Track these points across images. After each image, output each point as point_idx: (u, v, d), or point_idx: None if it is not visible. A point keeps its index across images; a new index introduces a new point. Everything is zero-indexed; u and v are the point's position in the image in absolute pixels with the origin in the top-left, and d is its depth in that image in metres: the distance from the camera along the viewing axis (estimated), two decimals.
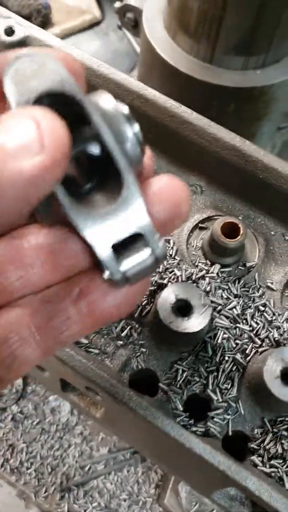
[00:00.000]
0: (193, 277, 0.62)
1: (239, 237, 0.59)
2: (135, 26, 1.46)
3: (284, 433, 0.57)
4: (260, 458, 0.57)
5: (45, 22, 1.79)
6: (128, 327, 0.61)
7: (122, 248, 0.33)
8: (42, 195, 0.31)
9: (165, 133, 0.66)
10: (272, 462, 0.56)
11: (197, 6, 1.19)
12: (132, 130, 0.34)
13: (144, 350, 0.60)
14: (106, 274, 0.33)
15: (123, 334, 0.60)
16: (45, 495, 1.01)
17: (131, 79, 0.64)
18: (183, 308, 0.58)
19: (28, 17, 1.77)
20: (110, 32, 1.84)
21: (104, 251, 0.32)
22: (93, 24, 1.85)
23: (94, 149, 0.33)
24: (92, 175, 0.35)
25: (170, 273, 0.62)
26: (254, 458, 0.57)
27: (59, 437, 1.04)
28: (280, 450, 0.56)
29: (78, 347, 0.60)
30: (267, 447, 0.57)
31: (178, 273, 0.62)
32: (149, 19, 1.33)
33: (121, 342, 0.60)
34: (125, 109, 0.34)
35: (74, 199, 0.32)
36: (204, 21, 1.22)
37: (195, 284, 0.61)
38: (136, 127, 0.34)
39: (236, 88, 1.26)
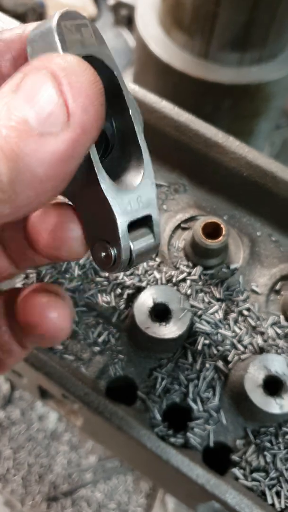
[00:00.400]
0: (174, 279, 0.59)
1: (221, 238, 0.56)
2: (129, 23, 1.44)
3: (267, 444, 0.54)
4: (241, 471, 0.54)
5: (39, 20, 1.76)
6: (106, 332, 0.58)
7: (131, 229, 0.34)
8: (76, 166, 0.28)
9: (145, 129, 0.63)
10: (254, 475, 0.53)
11: (191, 1, 1.17)
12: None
13: (122, 356, 0.58)
14: (114, 252, 0.33)
15: (100, 339, 0.58)
16: (31, 504, 0.98)
17: None
18: (161, 313, 0.55)
19: (23, 15, 1.75)
20: (105, 29, 1.81)
21: (123, 225, 0.33)
22: None
23: (113, 125, 0.35)
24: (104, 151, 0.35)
25: (150, 275, 0.59)
26: (236, 470, 0.54)
27: (46, 444, 1.02)
28: (262, 463, 0.53)
29: (52, 353, 0.57)
30: (249, 459, 0.53)
31: (158, 276, 0.59)
32: (143, 16, 1.30)
33: (98, 348, 0.57)
34: None
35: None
36: (198, 16, 1.19)
37: (175, 287, 0.58)
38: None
39: (232, 84, 1.23)
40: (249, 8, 1.12)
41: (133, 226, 0.34)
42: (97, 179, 0.31)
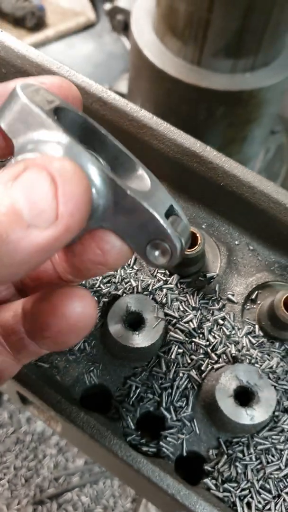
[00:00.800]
0: (150, 288, 0.59)
1: (197, 247, 0.56)
2: (125, 28, 1.44)
3: (239, 455, 0.54)
4: (213, 481, 0.54)
5: (39, 24, 1.78)
6: (82, 341, 0.58)
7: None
8: (51, 256, 0.31)
9: (124, 138, 0.63)
10: (225, 485, 0.53)
11: (184, 8, 1.17)
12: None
13: (97, 364, 0.58)
14: (167, 246, 0.36)
15: (76, 348, 0.58)
16: (17, 508, 0.98)
17: (91, 81, 0.62)
18: (135, 322, 0.55)
19: (22, 19, 1.76)
20: (104, 34, 1.82)
21: (164, 218, 0.36)
22: (88, 26, 1.83)
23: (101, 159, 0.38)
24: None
25: (126, 283, 0.59)
26: (208, 481, 0.54)
27: (34, 447, 1.02)
28: (234, 473, 0.53)
29: None
30: (221, 469, 0.54)
31: (134, 284, 0.59)
32: (138, 21, 1.31)
33: (73, 356, 0.58)
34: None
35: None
36: (191, 23, 1.20)
37: (151, 295, 0.58)
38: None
39: (225, 91, 1.23)
40: (242, 15, 1.12)
41: (167, 215, 0.37)
42: (126, 193, 0.34)
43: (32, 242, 0.29)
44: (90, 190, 0.32)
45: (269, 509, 0.52)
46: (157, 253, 0.37)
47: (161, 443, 0.55)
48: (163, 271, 0.61)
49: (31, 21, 1.77)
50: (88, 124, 0.39)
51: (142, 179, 0.38)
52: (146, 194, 0.36)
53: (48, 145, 0.33)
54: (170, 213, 0.38)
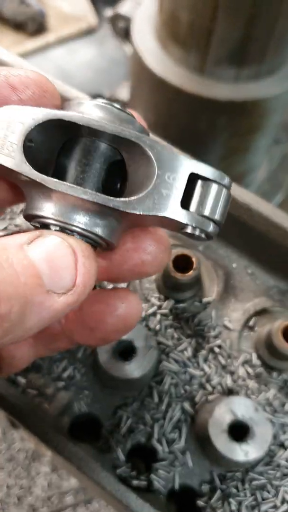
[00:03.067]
0: (143, 314, 0.57)
1: (191, 272, 0.54)
2: (127, 35, 1.43)
3: (233, 490, 0.51)
4: None
5: (39, 29, 1.76)
6: (71, 367, 0.56)
7: (188, 199, 0.33)
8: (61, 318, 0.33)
9: None
10: None
11: (187, 16, 1.15)
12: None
13: (87, 392, 0.56)
14: (197, 231, 0.34)
15: (65, 375, 0.56)
16: None
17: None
18: (126, 350, 0.53)
19: (23, 24, 1.75)
20: (106, 40, 1.80)
21: (181, 213, 0.33)
22: (89, 32, 1.81)
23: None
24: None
25: None
26: None
27: (27, 465, 1.00)
28: (227, 510, 0.51)
29: (14, 387, 0.55)
30: (214, 505, 0.51)
31: None
32: (139, 29, 1.29)
33: (62, 383, 0.56)
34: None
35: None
36: (193, 31, 1.18)
37: (144, 321, 0.56)
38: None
39: (228, 101, 1.21)
40: (246, 24, 1.10)
41: (188, 190, 0.33)
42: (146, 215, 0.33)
43: (50, 307, 0.30)
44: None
45: None
46: (194, 235, 0.34)
47: (152, 475, 0.53)
48: (158, 295, 0.58)
49: (32, 26, 1.76)
50: (67, 122, 0.34)
51: (149, 162, 0.33)
52: (151, 189, 0.33)
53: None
54: (194, 179, 0.34)
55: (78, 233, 0.34)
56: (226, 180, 0.35)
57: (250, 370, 0.55)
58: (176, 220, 0.33)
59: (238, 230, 0.58)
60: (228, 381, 0.54)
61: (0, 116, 0.33)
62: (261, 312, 0.58)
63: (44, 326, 0.31)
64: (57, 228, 0.33)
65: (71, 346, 0.44)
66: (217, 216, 0.34)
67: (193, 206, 0.34)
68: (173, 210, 0.33)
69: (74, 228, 0.33)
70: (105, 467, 0.51)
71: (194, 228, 0.34)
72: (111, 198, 0.32)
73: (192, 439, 0.53)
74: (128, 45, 1.61)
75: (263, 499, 0.51)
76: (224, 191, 0.35)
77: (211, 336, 0.56)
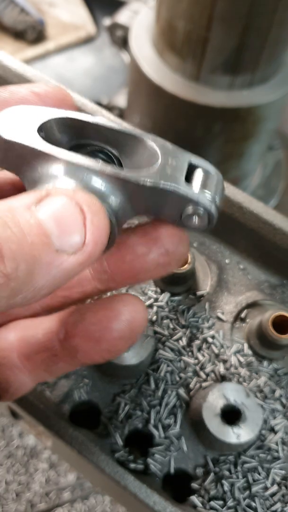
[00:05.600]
0: None
1: (186, 265, 0.57)
2: (124, 43, 1.46)
3: (226, 473, 0.54)
4: (200, 499, 0.54)
5: (39, 37, 1.80)
6: None
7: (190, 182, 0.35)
8: (72, 279, 0.32)
9: None
10: (212, 503, 0.53)
11: (183, 25, 1.19)
12: None
13: (87, 381, 0.58)
14: (201, 210, 0.35)
15: None
16: None
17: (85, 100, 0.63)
18: None
19: (23, 32, 1.79)
20: (104, 48, 1.85)
21: (184, 188, 0.34)
22: (88, 40, 1.85)
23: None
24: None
25: None
26: (194, 498, 0.54)
27: (26, 461, 1.02)
28: (220, 491, 0.53)
29: None
30: (208, 487, 0.54)
31: None
32: (136, 37, 1.33)
33: None
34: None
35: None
36: (189, 40, 1.21)
37: None
38: None
39: (223, 107, 1.25)
40: (240, 34, 1.14)
41: (188, 176, 0.35)
42: (137, 183, 0.34)
43: (60, 267, 0.30)
44: (109, 223, 0.33)
45: None
46: (195, 219, 0.36)
47: (148, 460, 0.55)
48: (154, 289, 0.61)
49: (32, 35, 1.80)
50: (74, 121, 0.37)
51: (152, 151, 0.36)
52: (158, 168, 0.34)
53: (57, 175, 0.34)
54: (192, 169, 0.36)
55: None
56: (221, 176, 0.37)
57: (242, 359, 0.57)
58: (183, 195, 0.34)
59: (231, 227, 0.61)
60: (221, 369, 0.56)
61: (18, 110, 0.36)
62: (253, 305, 0.61)
63: (57, 287, 0.31)
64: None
65: (73, 367, 0.42)
66: (217, 200, 0.36)
67: (196, 187, 0.35)
68: (181, 185, 0.34)
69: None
70: (104, 451, 0.53)
71: (197, 206, 0.35)
72: (122, 169, 0.34)
73: (187, 424, 0.56)
74: (126, 53, 1.65)
75: (254, 481, 0.54)
76: (222, 182, 0.37)
77: (205, 327, 0.59)
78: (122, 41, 1.45)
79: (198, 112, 1.27)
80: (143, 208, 0.36)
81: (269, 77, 1.27)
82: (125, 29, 1.42)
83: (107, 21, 1.41)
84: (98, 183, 0.34)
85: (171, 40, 1.24)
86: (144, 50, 1.32)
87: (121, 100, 1.59)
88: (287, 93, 1.22)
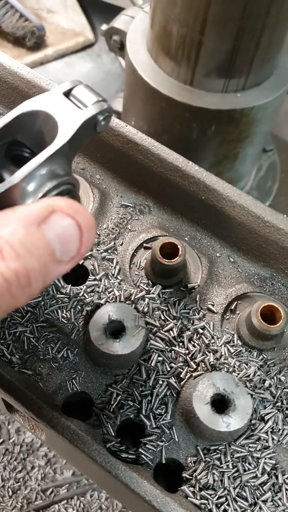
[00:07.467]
0: (133, 297, 0.60)
1: (177, 258, 0.58)
2: (121, 48, 1.48)
3: (216, 462, 0.55)
4: (191, 489, 0.54)
5: (38, 43, 1.83)
6: (65, 348, 0.59)
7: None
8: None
9: (111, 152, 0.65)
10: (202, 493, 0.54)
11: (177, 30, 1.20)
12: None
13: (79, 372, 0.59)
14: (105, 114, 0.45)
15: (59, 355, 0.59)
16: None
17: None
18: (116, 330, 0.57)
19: (22, 38, 1.81)
20: (102, 54, 1.87)
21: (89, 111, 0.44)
22: (86, 46, 1.88)
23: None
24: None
25: (109, 293, 0.61)
26: (185, 488, 0.54)
27: (22, 458, 1.02)
28: (211, 481, 0.54)
29: (11, 367, 0.58)
30: (199, 477, 0.54)
31: (117, 293, 0.61)
32: (133, 42, 1.35)
33: (56, 364, 0.59)
34: None
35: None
36: (184, 44, 1.23)
37: (133, 305, 0.60)
38: None
39: (217, 110, 1.26)
40: (233, 38, 1.15)
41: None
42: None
43: (58, 273, 0.39)
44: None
45: None
46: (103, 122, 0.45)
47: (140, 450, 0.56)
48: (146, 281, 0.62)
49: (31, 41, 1.82)
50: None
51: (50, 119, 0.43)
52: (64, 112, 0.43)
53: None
54: (68, 94, 0.44)
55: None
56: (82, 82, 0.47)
57: (232, 349, 0.58)
58: (92, 117, 0.43)
59: (221, 221, 0.62)
60: (211, 359, 0.57)
61: None
62: (243, 297, 0.62)
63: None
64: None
65: None
66: (100, 97, 0.45)
67: (89, 104, 0.44)
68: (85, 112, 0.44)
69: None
70: (96, 441, 0.54)
71: (100, 115, 0.44)
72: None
73: (178, 414, 0.57)
74: (123, 59, 1.67)
75: (244, 470, 0.55)
76: (86, 85, 0.46)
77: (195, 318, 0.60)
78: (118, 46, 1.47)
79: (192, 115, 1.28)
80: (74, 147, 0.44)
81: (262, 80, 1.29)
82: (122, 33, 1.44)
83: (103, 26, 1.44)
84: (47, 169, 0.41)
85: (166, 45, 1.26)
86: (140, 54, 1.34)
87: (119, 105, 1.60)
88: (280, 95, 1.23)
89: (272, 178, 1.63)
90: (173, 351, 0.58)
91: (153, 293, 0.61)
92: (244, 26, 1.12)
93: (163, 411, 0.57)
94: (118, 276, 0.63)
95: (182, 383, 0.57)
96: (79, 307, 0.60)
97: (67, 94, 0.44)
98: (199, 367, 0.57)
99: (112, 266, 0.63)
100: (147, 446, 0.56)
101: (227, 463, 0.55)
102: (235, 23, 1.12)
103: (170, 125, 1.32)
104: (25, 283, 0.35)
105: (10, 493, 0.99)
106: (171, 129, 1.32)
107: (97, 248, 0.64)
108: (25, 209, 0.38)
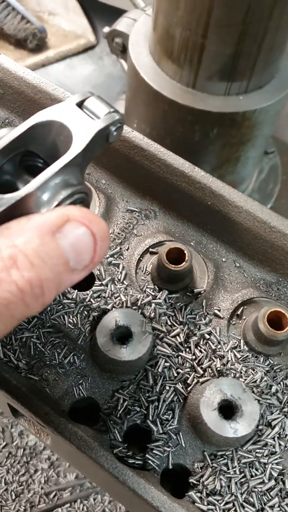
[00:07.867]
0: (139, 303, 0.60)
1: (183, 263, 0.58)
2: (123, 51, 1.48)
3: (224, 468, 0.55)
4: (198, 494, 0.55)
5: (40, 45, 1.83)
6: (71, 354, 0.59)
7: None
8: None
9: (117, 158, 0.66)
10: (210, 498, 0.54)
11: (179, 33, 1.21)
12: None
13: (86, 378, 0.59)
14: (117, 125, 0.45)
15: (66, 361, 0.59)
16: None
17: None
18: (123, 335, 0.57)
19: (24, 40, 1.81)
20: (104, 56, 1.87)
21: (102, 122, 0.44)
22: (88, 48, 1.88)
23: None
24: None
25: (116, 298, 0.61)
26: (193, 493, 0.55)
27: (25, 461, 1.02)
28: (218, 486, 0.54)
29: (17, 372, 0.58)
30: (206, 482, 0.54)
31: (124, 299, 0.61)
32: (135, 45, 1.35)
33: (63, 370, 0.59)
34: None
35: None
36: (186, 48, 1.23)
37: (140, 310, 0.60)
38: None
39: (219, 113, 1.26)
40: (236, 41, 1.15)
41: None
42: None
43: (71, 282, 0.39)
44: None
45: None
46: (115, 132, 0.45)
47: (147, 455, 0.56)
48: (152, 287, 0.62)
49: (33, 43, 1.82)
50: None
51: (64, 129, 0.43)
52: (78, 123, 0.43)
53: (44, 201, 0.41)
54: (80, 105, 0.44)
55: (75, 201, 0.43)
56: (94, 93, 0.46)
57: (238, 355, 0.58)
58: (104, 128, 0.43)
59: (227, 226, 0.63)
60: (218, 364, 0.57)
61: None
62: (249, 302, 0.62)
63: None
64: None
65: None
66: (112, 109, 0.45)
67: (101, 116, 0.44)
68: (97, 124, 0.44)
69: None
70: (103, 447, 0.54)
71: (113, 126, 0.44)
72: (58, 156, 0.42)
73: (185, 420, 0.57)
74: (124, 61, 1.67)
75: (251, 476, 0.55)
76: (98, 96, 0.46)
77: (202, 323, 0.60)
78: (120, 48, 1.47)
79: (195, 118, 1.28)
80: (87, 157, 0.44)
81: (264, 83, 1.29)
82: (124, 36, 1.44)
83: (105, 28, 1.44)
84: (61, 178, 0.41)
85: (168, 48, 1.26)
86: (142, 58, 1.34)
87: (119, 107, 1.61)
88: (282, 98, 1.24)
89: (274, 180, 1.63)
90: (179, 357, 0.58)
91: (159, 298, 0.61)
92: (246, 30, 1.12)
93: (170, 416, 0.57)
94: (124, 281, 0.63)
95: (189, 388, 0.57)
96: (86, 313, 0.60)
97: (80, 105, 0.44)
98: (205, 373, 0.57)
99: (118, 271, 0.63)
100: (154, 451, 0.56)
101: (234, 469, 0.55)
102: (238, 27, 1.13)
103: (172, 128, 1.32)
104: (38, 292, 0.35)
105: (13, 497, 0.99)
106: (173, 132, 1.32)
107: None
108: (40, 217, 0.38)
